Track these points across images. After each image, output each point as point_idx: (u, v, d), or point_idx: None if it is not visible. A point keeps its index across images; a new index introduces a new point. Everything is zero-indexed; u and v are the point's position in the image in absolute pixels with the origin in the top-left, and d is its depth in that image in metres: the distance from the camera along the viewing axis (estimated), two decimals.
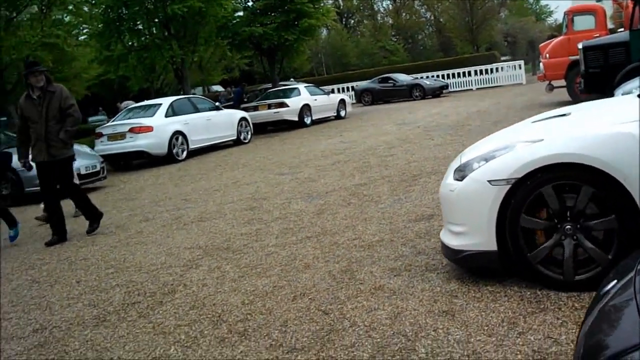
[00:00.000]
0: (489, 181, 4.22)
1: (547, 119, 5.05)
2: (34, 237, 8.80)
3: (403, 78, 34.82)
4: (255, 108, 22.82)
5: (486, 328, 3.61)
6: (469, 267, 4.61)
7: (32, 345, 4.44)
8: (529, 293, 4.02)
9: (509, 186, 4.13)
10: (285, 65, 36.11)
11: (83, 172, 12.99)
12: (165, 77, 37.43)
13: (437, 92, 33.04)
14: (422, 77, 35.77)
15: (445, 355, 3.35)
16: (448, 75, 36.78)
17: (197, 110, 18.24)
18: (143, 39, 26.12)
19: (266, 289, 4.86)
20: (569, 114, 5.01)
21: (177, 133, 16.83)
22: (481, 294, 4.12)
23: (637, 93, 4.92)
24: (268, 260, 5.66)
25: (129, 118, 17.31)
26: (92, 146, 16.18)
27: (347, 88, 37.88)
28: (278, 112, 22.32)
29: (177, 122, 17.04)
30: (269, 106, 22.60)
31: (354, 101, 33.70)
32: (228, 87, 43.27)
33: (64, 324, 4.78)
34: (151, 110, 17.35)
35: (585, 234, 4.07)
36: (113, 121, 18.10)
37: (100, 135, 16.83)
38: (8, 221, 8.62)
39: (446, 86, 34.91)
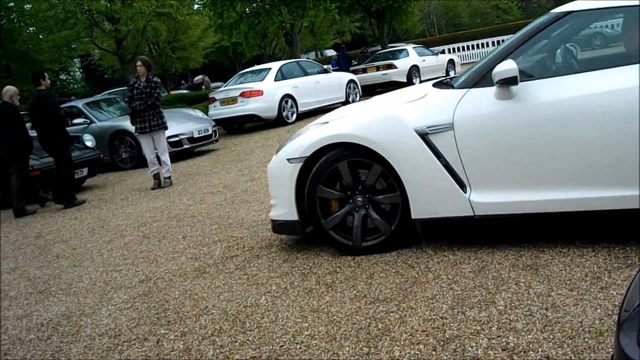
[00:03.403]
0: (287, 159, 4.89)
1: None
2: (148, 197, 9.29)
3: None
4: (364, 70, 22.85)
5: (568, 282, 3.59)
6: (280, 234, 5.39)
7: (137, 294, 4.79)
8: (617, 248, 3.94)
9: (301, 164, 4.79)
10: (396, 27, 35.79)
11: (196, 135, 13.54)
12: (278, 43, 37.94)
13: None
14: None
15: (524, 308, 3.37)
16: None
17: (306, 74, 18.44)
18: (254, 5, 26.55)
19: None
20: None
21: (287, 96, 17.11)
22: (568, 249, 4.07)
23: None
24: None
25: (240, 83, 17.76)
26: (205, 111, 16.76)
27: (458, 48, 37.10)
28: (386, 73, 22.25)
29: (287, 86, 17.31)
30: (377, 68, 22.56)
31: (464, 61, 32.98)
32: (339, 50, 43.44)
33: (167, 275, 5.11)
34: (261, 74, 17.70)
35: (373, 206, 4.69)
36: (225, 86, 18.61)
37: (214, 100, 17.35)
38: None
39: None
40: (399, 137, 4.42)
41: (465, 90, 4.36)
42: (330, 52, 49.77)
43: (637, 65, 3.85)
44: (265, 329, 3.71)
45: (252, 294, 4.33)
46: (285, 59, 23.23)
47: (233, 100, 16.81)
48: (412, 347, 3.17)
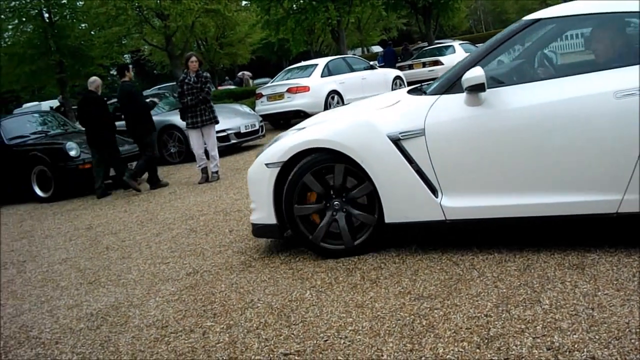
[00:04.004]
0: (266, 164, 5.01)
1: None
2: (196, 191, 9.41)
3: None
4: (410, 66, 22.76)
5: (615, 282, 3.55)
6: (260, 237, 5.47)
7: (184, 286, 4.87)
8: None
9: (278, 168, 4.91)
10: (443, 23, 35.52)
11: (243, 130, 13.65)
12: (324, 39, 37.97)
13: None
14: None
15: (569, 308, 3.34)
16: None
17: (352, 70, 18.43)
18: (301, 1, 26.64)
19: (401, 240, 4.99)
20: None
21: (333, 92, 17.13)
22: (615, 249, 4.02)
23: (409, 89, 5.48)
24: None
25: (287, 79, 17.84)
26: (252, 107, 16.88)
27: None
28: (433, 70, 22.12)
29: (333, 82, 17.32)
30: (424, 64, 22.47)
31: None
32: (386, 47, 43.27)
33: (214, 269, 5.18)
34: (308, 70, 17.76)
35: (351, 204, 4.80)
36: (272, 82, 18.72)
37: (261, 95, 17.46)
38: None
39: None
40: (372, 142, 4.56)
41: (437, 96, 4.49)
42: (377, 49, 49.63)
43: (606, 71, 3.99)
44: (309, 323, 3.74)
45: (297, 288, 4.38)
46: (332, 55, 23.24)
47: (280, 96, 16.89)
48: (455, 344, 3.18)
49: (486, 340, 3.15)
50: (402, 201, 4.53)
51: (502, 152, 4.19)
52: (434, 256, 4.50)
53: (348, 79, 17.82)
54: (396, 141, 4.48)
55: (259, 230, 5.24)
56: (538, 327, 3.19)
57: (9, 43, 28.81)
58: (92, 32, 28.28)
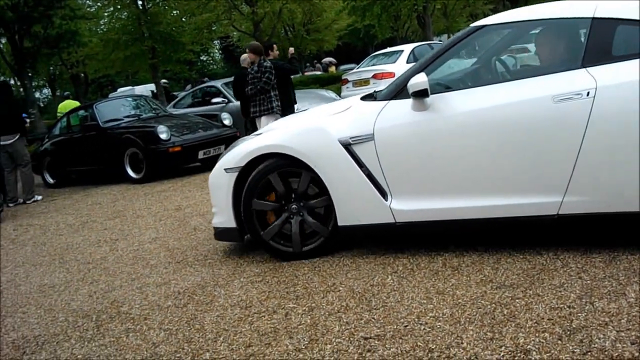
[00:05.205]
0: (225, 169, 5.14)
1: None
2: None
3: None
4: None
5: None
6: (221, 241, 5.63)
7: (268, 268, 4.99)
8: None
9: (237, 173, 5.04)
10: None
11: None
12: (410, 25, 37.67)
13: None
14: None
15: None
16: None
17: None
18: None
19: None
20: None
21: None
22: None
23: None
24: None
25: (373, 65, 17.83)
26: (339, 93, 16.96)
27: None
28: (520, 56, 21.60)
29: None
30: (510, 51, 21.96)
31: None
32: None
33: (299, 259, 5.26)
34: (393, 57, 17.69)
35: (308, 211, 4.97)
36: (358, 68, 18.74)
37: (346, 81, 17.52)
38: None
39: None
40: (324, 147, 4.71)
41: (385, 102, 4.63)
42: None
43: (546, 76, 4.10)
44: (390, 308, 3.78)
45: (378, 273, 4.42)
46: (418, 42, 23.03)
47: (365, 82, 16.90)
48: (537, 335, 3.15)
49: (568, 332, 3.12)
50: (354, 204, 4.70)
51: (447, 156, 4.34)
52: (517, 245, 4.46)
53: None
54: (347, 146, 4.64)
55: (220, 233, 5.43)
56: (622, 321, 3.13)
57: (105, 30, 29.91)
58: (183, 19, 29.00)
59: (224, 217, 5.26)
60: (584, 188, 3.94)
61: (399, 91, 4.56)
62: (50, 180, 13.55)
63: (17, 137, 10.97)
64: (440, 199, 4.41)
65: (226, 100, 14.58)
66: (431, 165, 4.40)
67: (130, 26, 26.84)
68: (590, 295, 3.47)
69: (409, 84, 4.33)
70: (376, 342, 3.39)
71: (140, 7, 26.70)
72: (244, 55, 11.18)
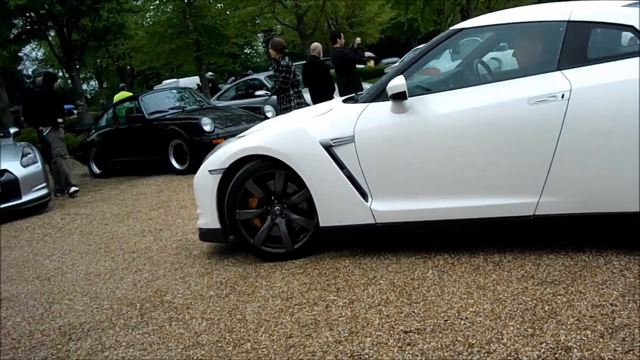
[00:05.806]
0: (209, 171, 5.18)
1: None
2: None
3: None
4: None
5: None
6: (206, 241, 5.70)
7: (309, 260, 5.03)
8: None
9: (220, 175, 5.08)
10: None
11: None
12: (453, 19, 37.35)
13: None
14: None
15: None
16: None
17: None
18: None
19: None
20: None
21: None
22: None
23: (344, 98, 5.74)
24: None
25: None
26: None
27: None
28: None
29: None
30: None
31: None
32: None
33: (340, 252, 5.29)
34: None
35: (291, 209, 5.01)
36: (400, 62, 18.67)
37: None
38: None
39: None
40: (306, 149, 4.77)
41: (366, 104, 4.70)
42: None
43: (522, 79, 4.17)
44: (430, 302, 3.80)
45: (419, 267, 4.43)
46: None
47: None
48: (578, 332, 3.14)
49: (610, 330, 3.10)
50: (335, 206, 4.76)
51: (425, 158, 4.42)
52: (559, 242, 4.43)
53: None
54: (328, 148, 4.69)
55: (205, 234, 5.49)
56: None
57: (150, 23, 30.27)
58: (227, 12, 29.21)
59: (208, 218, 5.31)
60: (559, 189, 4.00)
61: (379, 94, 4.63)
62: (97, 171, 13.83)
63: (49, 129, 11.11)
64: (419, 200, 4.49)
65: (269, 93, 14.66)
66: (410, 166, 4.48)
67: (176, 19, 27.16)
68: (633, 293, 3.43)
69: (387, 87, 4.39)
70: (416, 335, 3.41)
71: (186, 1, 26.98)
72: (315, 44, 11.42)
